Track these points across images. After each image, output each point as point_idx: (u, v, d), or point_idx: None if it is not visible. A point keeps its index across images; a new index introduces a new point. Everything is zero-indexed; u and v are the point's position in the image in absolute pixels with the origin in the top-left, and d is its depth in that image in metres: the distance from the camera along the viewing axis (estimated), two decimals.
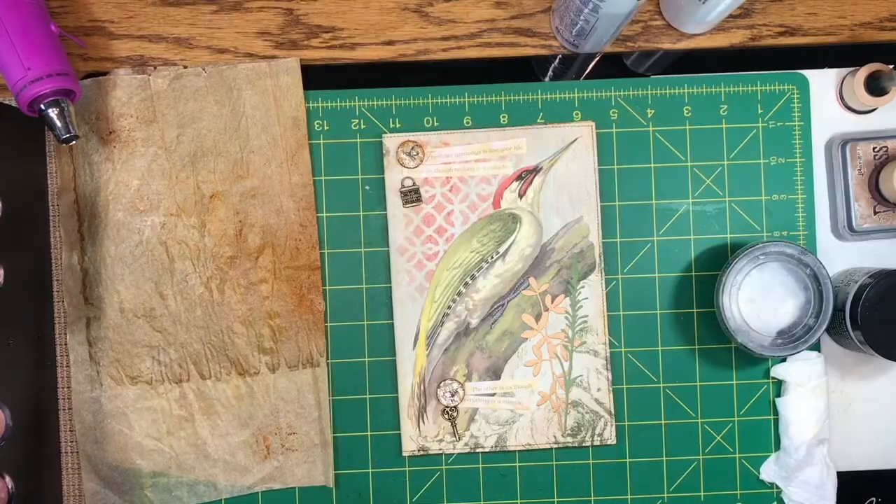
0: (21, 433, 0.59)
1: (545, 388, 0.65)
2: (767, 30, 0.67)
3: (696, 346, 0.66)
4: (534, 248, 0.65)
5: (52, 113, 0.58)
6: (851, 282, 0.61)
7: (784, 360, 0.65)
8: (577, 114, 0.66)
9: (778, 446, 0.65)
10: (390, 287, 0.65)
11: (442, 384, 0.65)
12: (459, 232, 0.65)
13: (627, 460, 0.65)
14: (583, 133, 0.65)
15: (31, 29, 0.59)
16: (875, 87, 0.63)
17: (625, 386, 0.65)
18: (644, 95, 0.66)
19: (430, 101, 0.66)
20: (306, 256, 0.65)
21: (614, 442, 0.65)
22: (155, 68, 0.65)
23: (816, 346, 0.65)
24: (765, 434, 0.66)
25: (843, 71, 0.66)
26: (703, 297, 0.66)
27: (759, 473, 0.65)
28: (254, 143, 0.65)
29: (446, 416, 0.65)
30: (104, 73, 0.65)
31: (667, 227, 0.66)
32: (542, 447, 0.65)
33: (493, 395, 0.65)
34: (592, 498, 0.65)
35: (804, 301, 0.62)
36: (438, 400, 0.65)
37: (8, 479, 0.57)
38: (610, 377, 0.65)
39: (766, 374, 0.65)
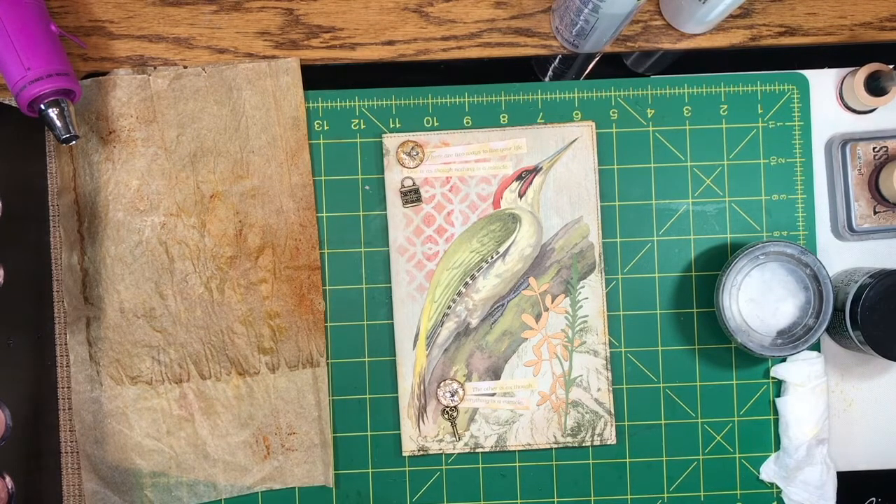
0: (21, 433, 0.59)
1: (545, 388, 0.65)
2: (767, 30, 0.67)
3: (696, 346, 0.66)
4: (534, 248, 0.65)
5: (52, 113, 0.58)
6: (851, 282, 0.61)
7: (784, 360, 0.65)
8: (577, 114, 0.66)
9: (778, 446, 0.65)
10: (390, 287, 0.65)
11: (442, 384, 0.65)
12: (459, 232, 0.65)
13: (627, 460, 0.65)
14: (583, 133, 0.65)
15: (31, 29, 0.59)
16: (875, 87, 0.63)
17: (625, 386, 0.65)
18: (644, 95, 0.66)
19: (430, 101, 0.66)
20: (306, 256, 0.65)
21: (614, 442, 0.65)
22: (155, 68, 0.65)
23: (816, 346, 0.65)
24: (765, 434, 0.66)
25: (843, 71, 0.66)
26: (703, 297, 0.66)
27: (759, 473, 0.65)
28: (254, 143, 0.65)
29: (446, 416, 0.65)
30: (104, 73, 0.65)
31: (667, 227, 0.66)
32: (542, 447, 0.65)
33: (493, 395, 0.65)
34: (592, 498, 0.65)
35: (804, 301, 0.62)
36: (438, 400, 0.65)
37: (8, 479, 0.57)
38: (610, 377, 0.65)
39: (766, 374, 0.65)
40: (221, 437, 0.65)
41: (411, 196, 0.65)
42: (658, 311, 0.66)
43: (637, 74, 0.66)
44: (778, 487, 0.65)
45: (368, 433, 0.65)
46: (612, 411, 0.65)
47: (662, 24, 0.67)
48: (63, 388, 0.65)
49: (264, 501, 0.65)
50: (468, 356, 0.65)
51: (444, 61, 0.66)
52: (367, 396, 0.65)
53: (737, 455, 0.66)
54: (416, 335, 0.65)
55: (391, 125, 0.66)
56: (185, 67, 0.65)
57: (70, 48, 0.65)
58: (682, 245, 0.66)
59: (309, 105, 0.65)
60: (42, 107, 0.58)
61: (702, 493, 0.65)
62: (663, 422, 0.65)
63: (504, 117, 0.66)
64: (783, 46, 0.67)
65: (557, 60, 0.67)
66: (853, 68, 0.65)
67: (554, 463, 0.65)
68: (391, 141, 0.65)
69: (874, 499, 0.66)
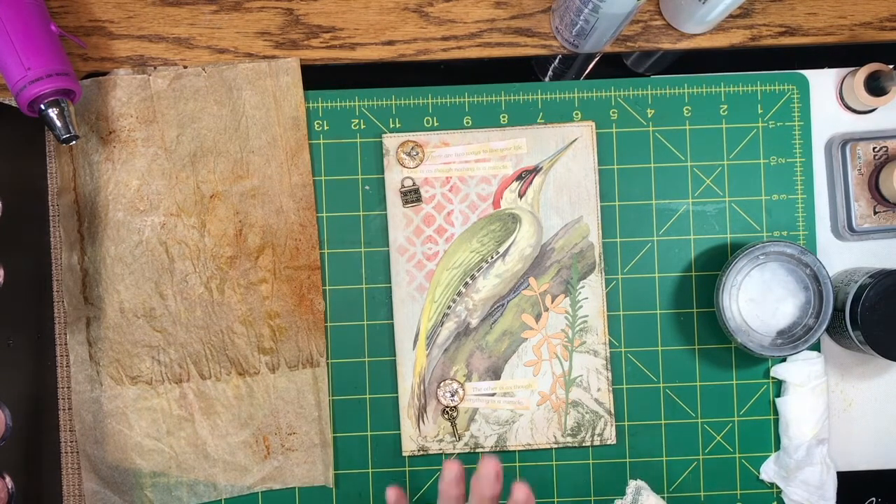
0: (21, 433, 0.59)
1: (545, 388, 0.65)
2: (767, 30, 0.67)
3: (696, 346, 0.66)
4: (534, 248, 0.65)
5: (52, 113, 0.58)
6: (851, 282, 0.61)
7: (784, 360, 0.65)
8: (577, 114, 0.66)
9: (778, 446, 0.65)
10: (390, 287, 0.65)
11: (442, 384, 0.65)
12: (459, 232, 0.65)
13: (627, 460, 0.65)
14: (583, 133, 0.65)
15: (31, 29, 0.59)
16: (875, 87, 0.63)
17: (625, 386, 0.65)
18: (644, 95, 0.66)
19: (430, 101, 0.66)
20: (306, 256, 0.65)
21: (614, 442, 0.65)
22: (155, 68, 0.65)
23: (816, 346, 0.65)
24: (765, 434, 0.66)
25: (843, 71, 0.66)
26: (703, 297, 0.66)
27: (759, 473, 0.65)
28: (254, 143, 0.65)
29: (446, 416, 0.65)
30: (104, 73, 0.65)
31: (667, 227, 0.66)
32: (542, 447, 0.65)
33: (493, 395, 0.65)
34: (592, 498, 0.65)
35: (804, 301, 0.62)
36: (438, 400, 0.65)
37: (8, 479, 0.57)
38: (610, 377, 0.65)
39: (766, 374, 0.65)
40: (221, 437, 0.65)
41: (411, 196, 0.65)
42: (658, 311, 0.66)
43: (637, 74, 0.66)
44: (778, 487, 0.65)
45: (368, 433, 0.65)
46: (612, 411, 0.65)
47: (662, 24, 0.67)
48: (63, 388, 0.65)
49: (264, 501, 0.65)
50: (468, 356, 0.65)
51: (444, 61, 0.66)
52: (367, 396, 0.65)
53: (737, 455, 0.66)
54: (416, 335, 0.65)
55: (391, 125, 0.66)
56: (185, 67, 0.65)
57: (70, 48, 0.65)
58: (682, 245, 0.66)
59: (309, 105, 0.65)
60: (42, 107, 0.58)
61: (702, 493, 0.65)
62: (663, 422, 0.65)
63: (504, 117, 0.66)
64: (783, 46, 0.67)
65: (557, 60, 0.67)
66: (853, 68, 0.65)
67: (554, 463, 0.65)
68: (391, 141, 0.65)
69: (874, 499, 0.66)
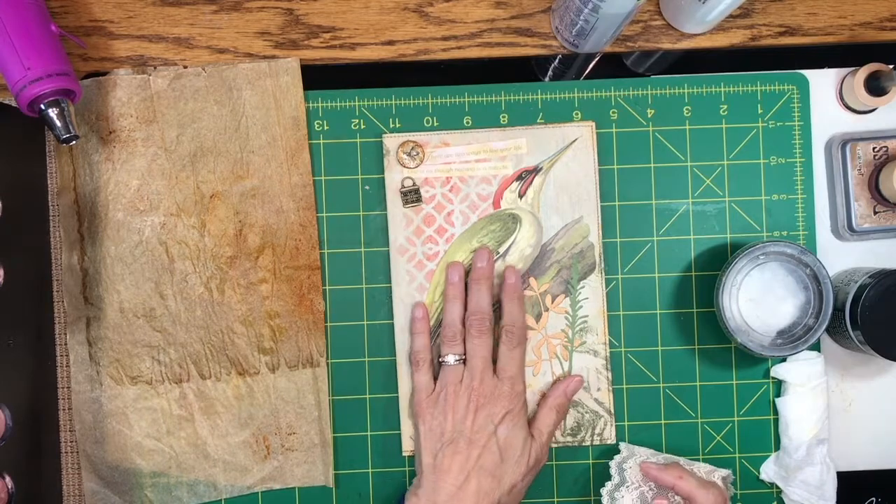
0: (21, 433, 0.59)
1: (545, 388, 0.65)
2: (767, 30, 0.67)
3: (696, 346, 0.66)
4: (534, 248, 0.65)
5: (52, 113, 0.58)
6: (851, 282, 0.61)
7: (784, 360, 0.65)
8: (577, 114, 0.66)
9: (778, 446, 0.65)
10: (390, 287, 0.65)
11: None
12: (459, 232, 0.65)
13: None
14: (583, 133, 0.65)
15: (31, 29, 0.59)
16: (875, 87, 0.63)
17: (625, 386, 0.65)
18: (644, 95, 0.66)
19: (430, 101, 0.66)
20: (306, 256, 0.65)
21: (614, 442, 0.65)
22: (155, 68, 0.65)
23: (816, 346, 0.65)
24: (765, 434, 0.66)
25: (843, 71, 0.66)
26: (703, 297, 0.66)
27: (759, 473, 0.65)
28: (254, 143, 0.65)
29: None
30: (104, 73, 0.65)
31: (667, 227, 0.66)
32: None
33: None
34: (592, 498, 0.65)
35: (804, 301, 0.62)
36: None
37: (8, 479, 0.57)
38: (610, 377, 0.65)
39: (766, 374, 0.65)
40: (221, 437, 0.65)
41: (411, 196, 0.65)
42: (658, 311, 0.66)
43: (637, 74, 0.66)
44: (778, 487, 0.65)
45: (368, 433, 0.65)
46: (612, 411, 0.65)
47: (662, 24, 0.67)
48: (63, 388, 0.65)
49: (264, 501, 0.65)
50: None
51: (444, 61, 0.66)
52: (367, 396, 0.65)
53: (737, 455, 0.66)
54: None
55: (391, 125, 0.66)
56: (185, 67, 0.65)
57: (70, 48, 0.65)
58: (682, 245, 0.66)
59: (309, 105, 0.65)
60: (42, 107, 0.58)
61: None
62: (663, 422, 0.65)
63: (504, 117, 0.66)
64: (783, 46, 0.67)
65: (557, 60, 0.67)
66: (853, 68, 0.65)
67: (554, 463, 0.65)
68: (391, 141, 0.65)
69: (874, 499, 0.66)
